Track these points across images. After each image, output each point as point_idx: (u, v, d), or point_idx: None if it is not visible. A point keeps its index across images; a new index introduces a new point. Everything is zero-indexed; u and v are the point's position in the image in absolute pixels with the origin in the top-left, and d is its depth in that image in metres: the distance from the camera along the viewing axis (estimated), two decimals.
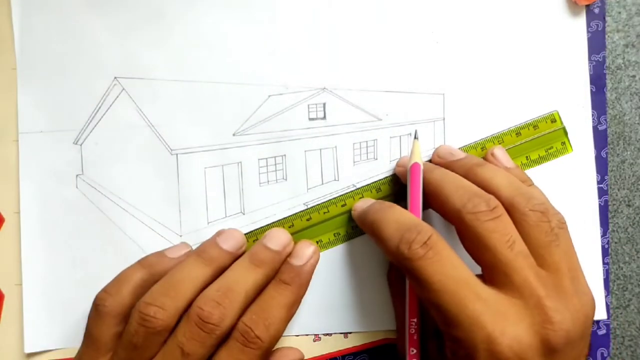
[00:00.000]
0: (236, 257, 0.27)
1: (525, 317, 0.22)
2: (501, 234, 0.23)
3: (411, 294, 0.26)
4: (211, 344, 0.24)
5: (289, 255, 0.27)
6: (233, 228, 0.29)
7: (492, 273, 0.23)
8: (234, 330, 0.25)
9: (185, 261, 0.27)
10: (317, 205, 0.30)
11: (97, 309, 0.26)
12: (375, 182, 0.31)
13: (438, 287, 0.22)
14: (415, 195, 0.26)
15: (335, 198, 0.30)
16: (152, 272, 0.27)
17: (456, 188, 0.25)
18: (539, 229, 0.24)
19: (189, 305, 0.25)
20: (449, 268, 0.22)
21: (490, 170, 0.26)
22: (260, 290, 0.26)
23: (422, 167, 0.27)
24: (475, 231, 0.23)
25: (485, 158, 0.30)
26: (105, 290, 0.27)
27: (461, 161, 0.28)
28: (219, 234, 0.28)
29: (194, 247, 0.29)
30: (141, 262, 0.28)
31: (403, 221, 0.24)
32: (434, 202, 0.26)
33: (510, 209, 0.24)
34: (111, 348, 0.26)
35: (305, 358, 0.31)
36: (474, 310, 0.21)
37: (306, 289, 0.27)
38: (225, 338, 0.25)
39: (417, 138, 0.29)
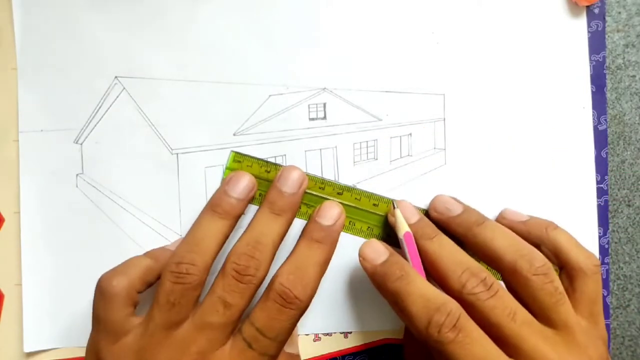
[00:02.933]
0: (249, 200, 0.28)
1: None
2: (501, 309, 0.24)
3: None
4: (250, 294, 0.25)
5: (316, 214, 0.28)
6: (240, 171, 0.29)
7: (504, 346, 0.23)
8: (271, 290, 0.25)
9: (201, 218, 0.27)
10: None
11: (103, 290, 0.26)
12: (375, 195, 0.31)
13: None
14: (417, 264, 0.26)
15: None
16: (157, 263, 0.27)
17: (454, 265, 0.25)
18: (544, 292, 0.25)
19: (213, 260, 0.26)
20: (479, 349, 0.23)
21: (489, 230, 0.27)
22: (283, 237, 0.27)
23: (410, 238, 0.27)
24: (477, 310, 0.24)
25: (497, 220, 0.30)
26: (112, 270, 0.27)
27: (459, 218, 0.28)
28: (227, 181, 0.28)
29: None
30: (146, 253, 0.28)
31: (429, 297, 0.24)
32: (433, 273, 0.26)
33: (513, 274, 0.25)
34: (126, 328, 0.25)
35: (305, 358, 0.31)
36: None
37: (335, 247, 0.28)
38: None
39: (397, 207, 0.28)
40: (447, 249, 0.26)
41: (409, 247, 0.27)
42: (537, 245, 0.27)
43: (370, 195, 0.30)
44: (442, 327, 0.23)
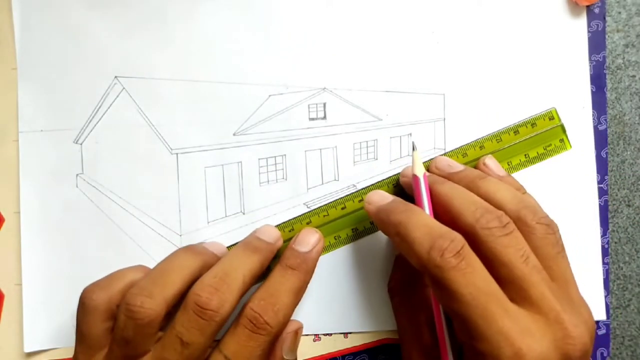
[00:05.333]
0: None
1: (547, 333, 0.22)
2: (515, 249, 0.23)
3: (437, 305, 0.25)
4: (211, 332, 0.24)
5: (293, 242, 0.27)
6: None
7: (509, 288, 0.23)
8: (241, 316, 0.24)
9: (174, 253, 0.26)
10: (317, 208, 0.30)
11: (83, 303, 0.25)
12: (377, 182, 0.31)
13: (468, 299, 0.21)
14: (429, 205, 0.26)
15: (335, 201, 0.30)
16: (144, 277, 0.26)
17: (467, 203, 0.24)
18: (547, 242, 0.24)
19: (179, 296, 0.25)
20: (480, 280, 0.22)
21: (492, 184, 0.26)
22: (255, 278, 0.26)
23: (426, 178, 0.27)
24: (490, 246, 0.23)
25: (476, 167, 0.30)
26: (94, 283, 0.26)
27: (461, 173, 0.28)
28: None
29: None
30: (137, 267, 0.27)
31: (433, 227, 0.23)
32: (443, 215, 0.25)
33: (517, 223, 0.24)
34: (104, 344, 0.25)
35: (305, 358, 0.31)
36: (503, 326, 0.21)
37: (312, 275, 0.27)
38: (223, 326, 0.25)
39: (416, 149, 0.28)
40: (460, 190, 0.26)
41: (418, 190, 0.26)
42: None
43: (335, 203, 0.30)
44: (445, 251, 0.22)
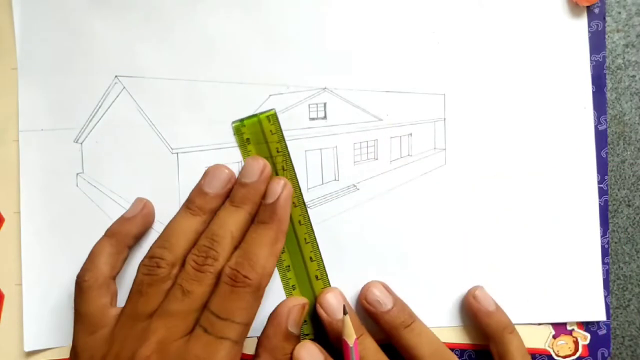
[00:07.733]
0: (226, 193, 0.29)
1: None
2: None
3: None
4: (208, 282, 0.26)
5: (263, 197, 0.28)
6: (219, 164, 0.29)
7: None
8: (222, 275, 0.26)
9: (177, 215, 0.29)
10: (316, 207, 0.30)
11: (79, 286, 0.28)
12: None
13: None
14: None
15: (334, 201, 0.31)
16: (118, 239, 0.29)
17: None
18: None
19: (187, 254, 0.27)
20: None
21: (416, 335, 0.28)
22: (245, 230, 0.28)
23: (356, 346, 0.27)
24: None
25: (466, 299, 0.30)
26: (82, 267, 0.28)
27: (388, 315, 0.29)
28: (204, 175, 0.29)
29: None
30: (106, 233, 0.29)
31: None
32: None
33: None
34: (103, 322, 0.27)
35: None
36: None
37: (286, 222, 0.28)
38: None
39: (347, 313, 0.27)
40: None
41: (355, 356, 0.27)
42: (489, 339, 0.29)
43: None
44: None
